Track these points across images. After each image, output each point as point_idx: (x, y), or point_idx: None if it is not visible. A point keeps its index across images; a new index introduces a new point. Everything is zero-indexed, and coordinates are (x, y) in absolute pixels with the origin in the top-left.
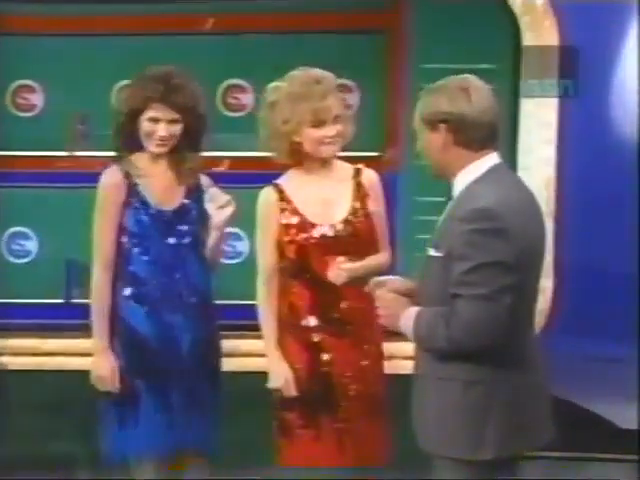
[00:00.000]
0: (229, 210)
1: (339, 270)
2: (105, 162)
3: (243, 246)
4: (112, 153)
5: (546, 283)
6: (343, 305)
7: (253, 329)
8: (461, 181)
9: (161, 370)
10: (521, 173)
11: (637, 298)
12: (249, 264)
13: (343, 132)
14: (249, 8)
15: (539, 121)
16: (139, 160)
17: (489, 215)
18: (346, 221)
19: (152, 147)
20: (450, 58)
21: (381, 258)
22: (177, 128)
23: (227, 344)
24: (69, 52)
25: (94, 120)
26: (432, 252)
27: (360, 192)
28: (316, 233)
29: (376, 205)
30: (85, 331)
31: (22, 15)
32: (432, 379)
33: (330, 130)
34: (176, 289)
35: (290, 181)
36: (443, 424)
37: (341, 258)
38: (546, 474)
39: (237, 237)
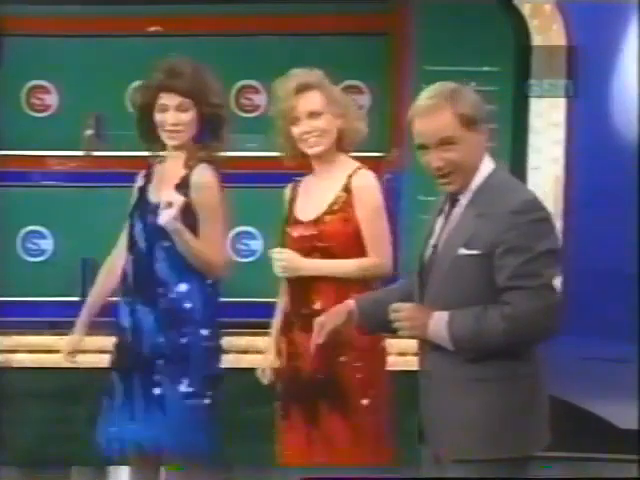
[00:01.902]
0: (171, 212)
1: (275, 259)
2: (120, 162)
3: (257, 245)
4: (127, 153)
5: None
6: (315, 303)
7: (268, 327)
8: (478, 177)
9: (128, 364)
10: (531, 173)
11: (638, 299)
12: (262, 262)
13: (328, 127)
14: (261, 10)
15: (548, 122)
16: (162, 157)
17: (540, 205)
18: (317, 220)
19: (165, 138)
20: (453, 61)
21: (364, 263)
22: (187, 115)
23: (239, 341)
24: (83, 53)
25: (108, 120)
26: (464, 251)
27: (345, 194)
28: (295, 230)
29: (363, 209)
30: (100, 329)
31: (36, 16)
32: (464, 381)
33: (305, 126)
34: (147, 285)
35: (305, 179)
36: (485, 425)
37: (277, 249)
38: (546, 474)
39: (251, 236)
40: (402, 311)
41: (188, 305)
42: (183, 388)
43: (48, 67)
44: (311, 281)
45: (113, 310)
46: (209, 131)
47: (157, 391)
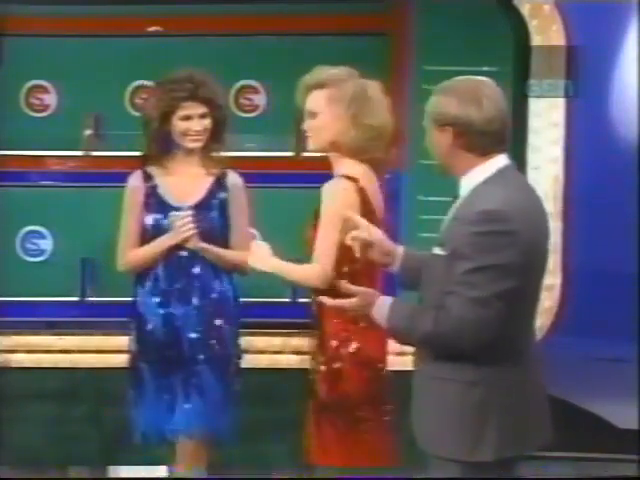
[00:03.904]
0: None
1: None
2: (119, 162)
3: None
4: (126, 153)
5: (554, 281)
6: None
7: (267, 327)
8: (468, 182)
9: (164, 357)
10: (531, 173)
11: (638, 298)
12: None
13: (317, 127)
14: (261, 10)
15: (547, 121)
16: (167, 160)
17: (495, 217)
18: (310, 225)
19: (188, 143)
20: (453, 60)
21: (306, 270)
22: (207, 122)
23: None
24: (82, 53)
25: (108, 120)
26: (437, 250)
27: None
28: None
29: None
30: (99, 328)
31: (35, 16)
32: (433, 379)
33: (305, 124)
34: (184, 283)
35: None
36: (443, 425)
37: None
38: (546, 474)
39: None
40: (356, 291)
41: (221, 300)
42: (215, 376)
43: (47, 67)
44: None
45: (128, 309)
46: (218, 134)
47: (191, 380)
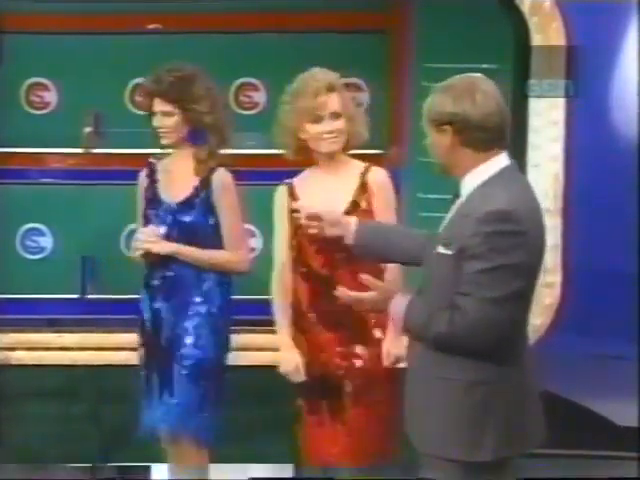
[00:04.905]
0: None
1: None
2: (119, 159)
3: (256, 242)
4: (126, 150)
5: (555, 279)
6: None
7: (268, 324)
8: (470, 181)
9: (150, 350)
10: (531, 170)
11: (638, 296)
12: (263, 259)
13: (344, 129)
14: (261, 7)
15: (547, 120)
16: (169, 155)
17: (507, 217)
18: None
19: (160, 138)
20: (453, 58)
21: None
22: (170, 120)
23: (240, 338)
24: (83, 50)
25: (108, 118)
26: (441, 250)
27: (363, 190)
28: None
29: (383, 205)
30: (99, 326)
31: (36, 13)
32: (433, 378)
33: (327, 126)
34: (166, 279)
35: (302, 179)
36: (443, 424)
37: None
38: (546, 474)
39: (251, 233)
40: (377, 285)
41: (204, 299)
42: (193, 376)
43: (47, 64)
44: (333, 279)
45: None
46: (200, 134)
47: (170, 377)
